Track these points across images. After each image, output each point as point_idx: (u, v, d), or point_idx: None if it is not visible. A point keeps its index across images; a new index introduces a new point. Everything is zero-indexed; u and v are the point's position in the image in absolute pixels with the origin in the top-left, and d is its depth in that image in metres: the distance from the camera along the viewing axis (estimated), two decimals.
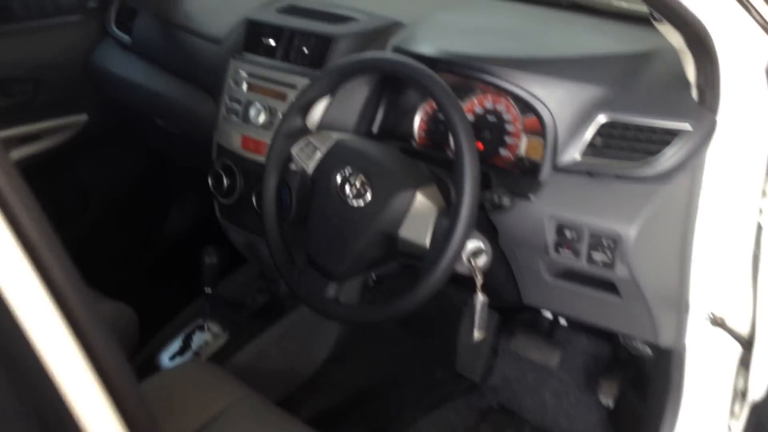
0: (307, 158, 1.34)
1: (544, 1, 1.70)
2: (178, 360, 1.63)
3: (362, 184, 1.26)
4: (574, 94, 1.31)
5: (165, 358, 1.64)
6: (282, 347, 1.70)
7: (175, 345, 1.67)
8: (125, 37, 2.05)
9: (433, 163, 1.41)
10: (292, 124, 1.37)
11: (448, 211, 1.21)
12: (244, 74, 1.66)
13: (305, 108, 1.37)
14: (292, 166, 1.37)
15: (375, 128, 1.55)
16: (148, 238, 2.34)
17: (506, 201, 1.25)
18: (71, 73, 2.10)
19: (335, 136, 1.35)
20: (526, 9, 1.68)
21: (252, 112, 1.61)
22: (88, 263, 1.97)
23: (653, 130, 1.24)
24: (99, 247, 2.22)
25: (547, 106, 1.32)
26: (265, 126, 1.60)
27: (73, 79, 2.11)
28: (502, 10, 1.68)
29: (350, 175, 1.27)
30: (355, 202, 1.26)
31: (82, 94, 2.15)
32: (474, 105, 1.48)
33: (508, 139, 1.45)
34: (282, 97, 1.58)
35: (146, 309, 1.81)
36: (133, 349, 1.63)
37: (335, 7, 1.68)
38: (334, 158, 1.31)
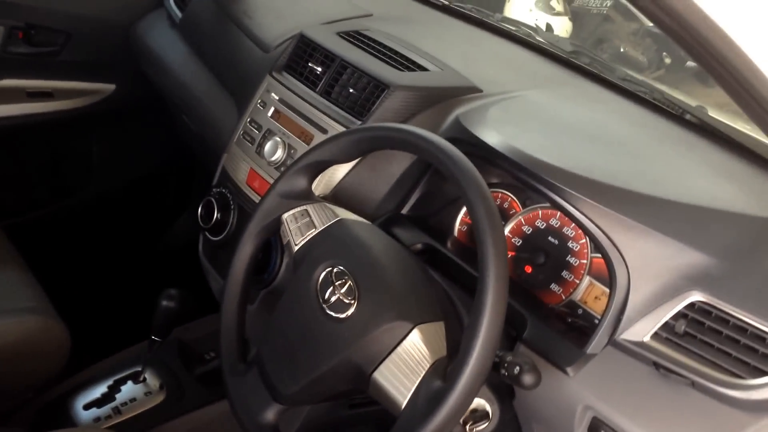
0: (298, 231, 1.03)
1: (662, 109, 1.33)
2: (94, 412, 1.33)
3: (349, 291, 0.93)
4: (666, 254, 0.96)
5: (79, 405, 1.34)
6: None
7: (98, 391, 1.36)
8: (177, 13, 1.77)
9: (462, 277, 1.08)
10: (293, 185, 1.05)
11: (446, 365, 0.87)
12: (274, 97, 1.35)
13: (313, 170, 1.05)
14: (283, 237, 1.06)
15: (406, 209, 1.22)
16: (139, 244, 2.04)
17: (529, 379, 0.89)
18: (110, 36, 1.84)
19: (341, 214, 1.03)
20: (639, 114, 1.32)
21: (269, 144, 1.30)
22: (58, 251, 1.68)
23: (763, 337, 0.88)
24: (81, 236, 1.95)
25: (624, 259, 0.97)
26: (278, 165, 1.29)
27: (110, 43, 1.85)
28: (610, 109, 1.33)
29: (337, 274, 0.94)
30: (332, 312, 0.93)
31: (115, 62, 1.89)
32: (536, 217, 1.15)
33: (566, 274, 1.11)
34: (308, 138, 1.27)
35: (96, 329, 1.52)
36: (55, 372, 1.34)
37: (412, 47, 1.36)
38: (327, 244, 0.99)
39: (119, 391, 1.38)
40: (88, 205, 2.00)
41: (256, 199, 1.31)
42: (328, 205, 1.05)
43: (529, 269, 1.15)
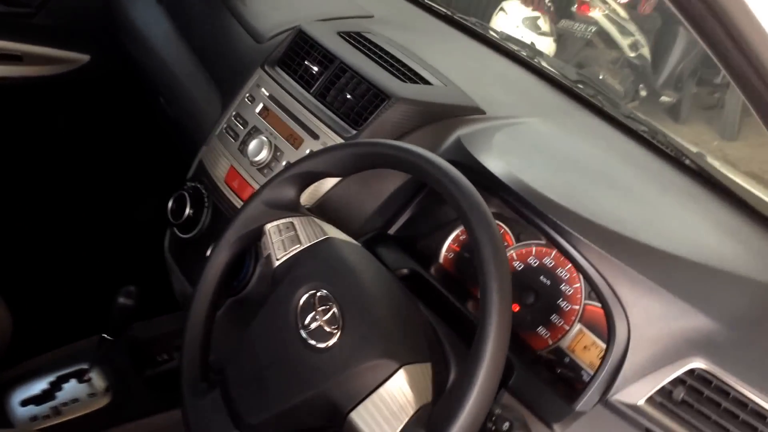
0: (281, 245, 0.95)
1: (663, 152, 1.28)
2: (31, 409, 1.22)
3: (332, 320, 0.85)
4: (672, 314, 0.90)
5: (17, 400, 1.23)
6: None
7: (38, 386, 1.25)
8: None
9: (445, 309, 1.01)
10: (280, 193, 0.97)
11: (431, 412, 0.80)
12: (264, 93, 1.27)
13: (304, 180, 0.97)
14: (264, 249, 0.97)
15: (393, 230, 1.15)
16: (99, 229, 1.92)
17: None
18: (90, 2, 1.73)
19: (330, 232, 0.95)
20: (642, 156, 1.27)
21: (254, 142, 1.22)
22: (7, 228, 1.55)
23: (764, 415, 0.83)
24: (35, 214, 1.83)
25: (627, 314, 0.91)
26: (261, 166, 1.20)
27: (89, 10, 1.74)
28: (614, 147, 1.27)
29: (321, 299, 0.86)
30: (311, 340, 0.85)
31: (92, 30, 1.77)
32: (529, 253, 1.09)
33: (555, 318, 1.05)
34: (297, 141, 1.19)
35: (44, 318, 1.41)
36: None
37: (415, 57, 1.28)
38: (313, 264, 0.91)
39: (61, 389, 1.28)
40: (46, 182, 1.87)
41: (234, 198, 1.23)
42: (316, 220, 0.97)
43: (516, 308, 1.08)
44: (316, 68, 1.25)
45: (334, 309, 0.85)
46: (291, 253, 0.94)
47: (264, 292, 1.15)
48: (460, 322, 0.97)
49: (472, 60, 1.44)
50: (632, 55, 5.28)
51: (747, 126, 5.10)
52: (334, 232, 0.96)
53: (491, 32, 1.56)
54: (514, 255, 1.10)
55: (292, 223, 0.96)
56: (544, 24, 4.96)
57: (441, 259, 1.18)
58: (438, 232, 1.18)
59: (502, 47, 1.49)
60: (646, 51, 5.38)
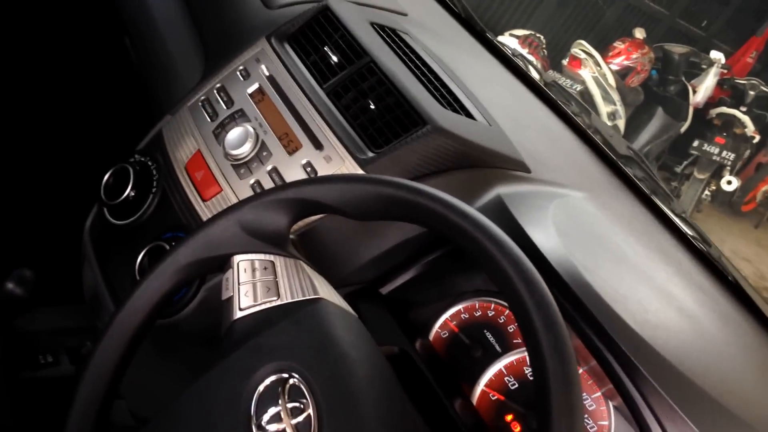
0: (250, 291, 0.68)
1: (716, 270, 1.07)
2: None
3: (304, 425, 0.59)
4: None
5: None
6: None
7: None
8: None
9: (428, 402, 0.78)
10: (266, 219, 0.70)
11: None
12: (263, 70, 0.99)
13: (301, 209, 0.70)
14: (224, 286, 0.70)
15: (387, 288, 0.89)
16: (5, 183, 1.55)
17: None
18: None
19: (322, 290, 0.68)
20: (697, 271, 1.05)
21: (235, 130, 0.93)
22: None
23: None
24: None
25: None
26: (238, 163, 0.92)
27: None
28: (670, 253, 1.04)
29: (293, 390, 0.60)
30: None
31: None
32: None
33: None
34: (292, 145, 0.91)
35: None
36: None
37: (456, 78, 1.03)
38: (290, 334, 0.64)
39: None
40: None
41: (192, 193, 0.94)
42: (305, 266, 0.70)
43: (516, 427, 0.84)
44: (335, 58, 0.98)
45: (309, 411, 0.59)
46: (262, 306, 0.67)
47: (203, 326, 0.88)
48: (443, 423, 0.74)
49: (513, 99, 1.20)
50: (608, 123, 5.21)
51: (698, 220, 5.07)
52: (326, 290, 0.69)
53: (532, 70, 1.32)
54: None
55: (272, 263, 0.69)
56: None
57: (431, 336, 0.93)
58: (437, 303, 0.93)
59: (545, 94, 1.25)
60: (621, 123, 5.32)
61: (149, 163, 0.99)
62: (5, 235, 1.37)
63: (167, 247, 0.91)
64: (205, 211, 0.92)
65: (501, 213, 0.85)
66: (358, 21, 1.02)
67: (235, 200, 0.90)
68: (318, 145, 0.90)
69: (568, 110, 1.21)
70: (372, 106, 0.92)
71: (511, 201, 0.86)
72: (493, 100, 1.08)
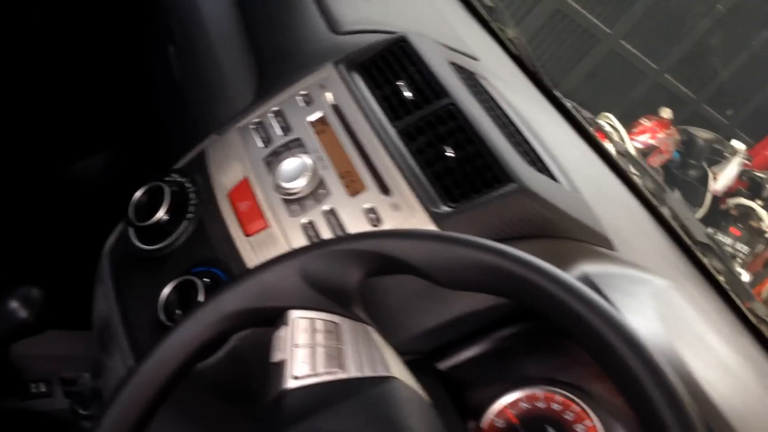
0: (308, 356, 0.56)
1: None
2: None
3: None
4: None
5: None
6: None
7: None
8: None
9: None
10: (333, 272, 0.59)
11: None
12: (328, 99, 0.88)
13: (379, 266, 0.59)
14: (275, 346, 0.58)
15: (445, 364, 0.78)
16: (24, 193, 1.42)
17: None
18: None
19: (394, 368, 0.57)
20: None
21: (291, 161, 0.82)
22: None
23: None
24: None
25: None
26: (291, 198, 0.81)
27: None
28: (748, 356, 0.92)
29: None
30: None
31: None
32: None
33: None
34: (354, 186, 0.80)
35: None
36: None
37: (536, 135, 0.93)
38: (356, 421, 0.52)
39: None
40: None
41: (234, 227, 0.82)
42: (375, 336, 0.59)
43: None
44: (410, 95, 0.88)
45: None
46: (322, 378, 0.55)
47: (228, 378, 0.76)
48: None
49: (589, 167, 1.09)
50: None
51: None
52: (399, 368, 0.57)
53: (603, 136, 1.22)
54: None
55: (337, 325, 0.58)
56: None
57: (484, 423, 0.80)
58: (495, 386, 0.81)
59: (618, 166, 1.14)
60: None
61: (187, 185, 0.88)
62: (13, 247, 1.24)
63: (198, 282, 0.79)
64: (246, 247, 0.80)
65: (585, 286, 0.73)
66: (437, 58, 0.92)
67: (282, 239, 0.79)
68: (385, 190, 0.79)
69: (643, 185, 1.11)
70: (449, 154, 0.81)
71: (605, 284, 0.74)
72: (570, 164, 0.97)
